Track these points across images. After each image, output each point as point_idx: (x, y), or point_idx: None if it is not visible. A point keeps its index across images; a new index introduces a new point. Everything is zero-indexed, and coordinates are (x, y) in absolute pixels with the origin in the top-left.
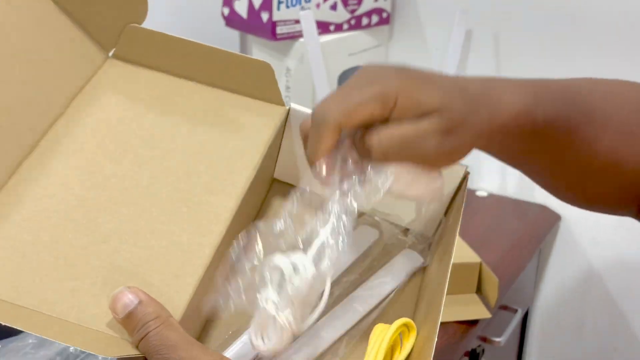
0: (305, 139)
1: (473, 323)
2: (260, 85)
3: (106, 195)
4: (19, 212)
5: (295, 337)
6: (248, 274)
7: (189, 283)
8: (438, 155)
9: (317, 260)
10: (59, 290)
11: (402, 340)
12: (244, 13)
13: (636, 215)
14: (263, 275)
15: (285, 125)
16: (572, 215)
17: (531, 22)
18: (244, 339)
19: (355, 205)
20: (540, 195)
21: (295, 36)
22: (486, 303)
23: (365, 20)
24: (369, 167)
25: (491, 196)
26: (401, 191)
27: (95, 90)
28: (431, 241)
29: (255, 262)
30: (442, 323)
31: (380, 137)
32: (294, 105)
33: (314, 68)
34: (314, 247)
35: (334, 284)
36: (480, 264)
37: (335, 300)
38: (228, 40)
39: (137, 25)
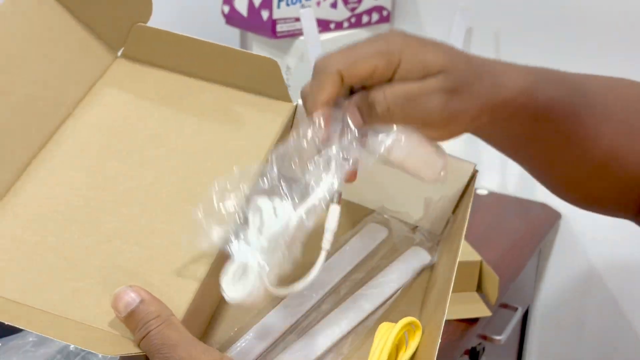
0: (305, 99)
1: (473, 321)
2: (266, 82)
3: (111, 195)
4: (25, 212)
5: (270, 296)
6: (230, 213)
7: (191, 282)
8: (442, 115)
9: (305, 214)
10: (62, 290)
11: (407, 338)
12: (244, 11)
13: (635, 217)
14: (243, 216)
15: (292, 121)
16: (572, 214)
17: (532, 20)
18: (248, 336)
19: (351, 163)
20: (540, 194)
21: (296, 34)
22: (486, 301)
23: (365, 18)
24: (370, 130)
25: (492, 194)
26: (401, 160)
27: (103, 90)
28: (439, 239)
29: (235, 204)
30: None
31: (385, 93)
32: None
33: None
34: (305, 202)
35: (341, 282)
36: (481, 262)
37: (342, 297)
38: (228, 38)
39: (143, 24)
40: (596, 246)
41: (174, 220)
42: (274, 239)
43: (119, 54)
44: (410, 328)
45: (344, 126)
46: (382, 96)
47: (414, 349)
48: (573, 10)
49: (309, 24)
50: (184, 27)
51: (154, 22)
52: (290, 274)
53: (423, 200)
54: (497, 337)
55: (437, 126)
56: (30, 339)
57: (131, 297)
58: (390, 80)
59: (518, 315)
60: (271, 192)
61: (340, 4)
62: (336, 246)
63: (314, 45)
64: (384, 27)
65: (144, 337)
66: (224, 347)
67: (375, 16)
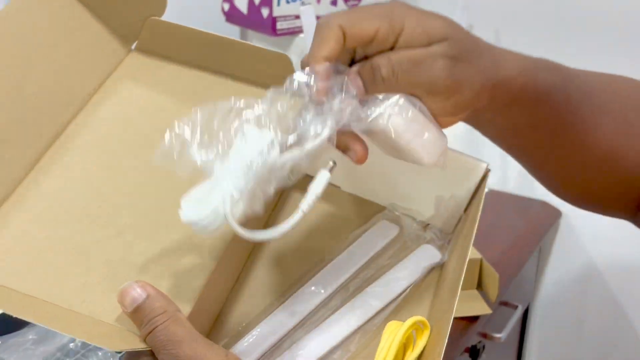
0: (305, 58)
1: (473, 319)
2: (278, 76)
3: (123, 189)
4: (37, 205)
5: (227, 231)
6: (214, 131)
7: (200, 278)
8: (447, 82)
9: (289, 158)
10: (72, 283)
11: (415, 337)
12: (244, 9)
13: (633, 217)
14: (224, 136)
15: None
16: (573, 212)
17: (532, 18)
18: (256, 332)
19: (348, 118)
20: (541, 192)
21: (296, 32)
22: (487, 299)
23: None
24: (371, 99)
25: (492, 192)
26: (401, 134)
27: (117, 84)
28: (450, 237)
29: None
30: None
31: (389, 57)
32: None
33: None
34: (291, 149)
35: (350, 279)
36: (481, 260)
37: (351, 294)
38: (228, 35)
39: (157, 18)
40: (596, 244)
41: None
42: (250, 168)
43: (133, 47)
44: (418, 327)
45: (344, 93)
46: (386, 60)
47: (422, 348)
48: (573, 8)
49: (309, 22)
50: (184, 24)
51: None
52: (257, 222)
53: (434, 198)
54: (497, 335)
55: (441, 95)
56: (30, 337)
57: (137, 293)
58: (392, 48)
59: (518, 313)
60: (262, 125)
61: (340, 1)
62: (346, 243)
63: None
64: None
65: (149, 333)
66: (231, 343)
67: None
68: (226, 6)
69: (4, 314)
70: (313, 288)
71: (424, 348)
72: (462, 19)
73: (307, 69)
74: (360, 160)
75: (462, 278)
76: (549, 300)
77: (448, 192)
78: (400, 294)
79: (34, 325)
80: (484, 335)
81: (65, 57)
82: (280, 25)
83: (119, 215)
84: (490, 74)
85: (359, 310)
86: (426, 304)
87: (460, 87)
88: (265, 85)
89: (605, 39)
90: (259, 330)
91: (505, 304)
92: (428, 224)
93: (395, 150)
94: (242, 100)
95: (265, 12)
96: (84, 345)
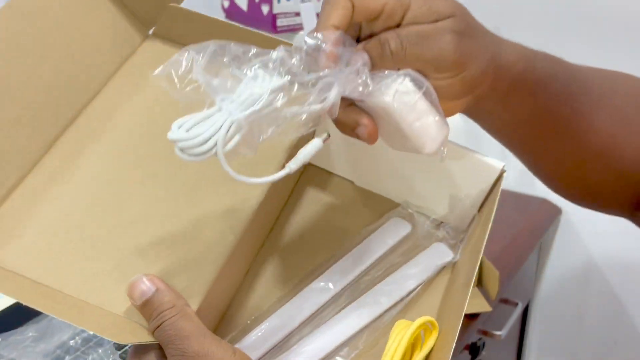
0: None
1: (473, 317)
2: None
3: (137, 176)
4: (51, 191)
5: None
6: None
7: (210, 271)
8: (455, 56)
9: (294, 111)
10: (83, 271)
11: (423, 337)
12: (244, 5)
13: (631, 215)
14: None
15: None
16: (573, 209)
17: (532, 16)
18: (264, 326)
19: (354, 89)
20: (541, 189)
21: (296, 29)
22: (487, 296)
23: None
24: (378, 74)
25: None
26: (405, 112)
27: (133, 70)
28: (463, 237)
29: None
30: None
31: (398, 32)
32: None
33: None
34: (297, 106)
35: (360, 275)
36: (481, 257)
37: (361, 292)
38: None
39: (177, 5)
40: (596, 241)
41: (198, 206)
42: (256, 105)
43: (150, 32)
44: (427, 327)
45: (351, 67)
46: (395, 34)
47: (430, 349)
48: (573, 6)
49: (309, 19)
50: None
51: None
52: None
53: (448, 197)
54: (498, 333)
55: (449, 71)
56: (30, 334)
57: (146, 286)
58: (398, 26)
59: (518, 310)
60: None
61: None
62: (358, 239)
63: None
64: None
65: (158, 327)
66: (239, 336)
67: None
68: (226, 3)
69: (3, 312)
70: (322, 284)
71: (432, 348)
72: None
73: (317, 33)
74: (372, 134)
75: (474, 280)
76: (549, 298)
77: (462, 191)
78: (410, 292)
79: (34, 322)
80: (484, 333)
81: (82, 42)
82: (280, 22)
83: (131, 204)
84: (494, 54)
85: (368, 307)
86: (436, 303)
87: (468, 62)
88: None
89: (605, 37)
90: (267, 324)
91: (505, 301)
92: (441, 222)
93: (397, 134)
94: (255, 49)
95: (265, 9)
96: (84, 342)
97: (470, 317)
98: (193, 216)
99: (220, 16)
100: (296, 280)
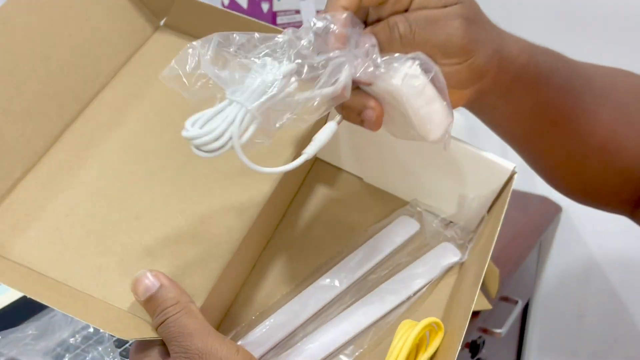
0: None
1: (474, 314)
2: None
3: (144, 170)
4: (57, 184)
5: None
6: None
7: (215, 268)
8: (463, 41)
9: (305, 96)
10: (87, 265)
11: (428, 338)
12: (244, 3)
13: (631, 213)
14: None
15: None
16: (573, 207)
17: (532, 13)
18: (269, 322)
19: (363, 71)
20: (541, 187)
21: (296, 26)
22: (487, 294)
23: None
24: (387, 58)
25: None
26: (413, 97)
27: (143, 61)
28: (472, 237)
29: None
30: None
31: (406, 16)
32: None
33: None
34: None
35: (366, 274)
36: None
37: (367, 290)
38: None
39: None
40: (597, 239)
41: (205, 202)
42: (266, 94)
43: (162, 23)
44: (432, 328)
45: (360, 49)
46: (403, 18)
47: (435, 349)
48: (573, 4)
49: (309, 16)
50: None
51: None
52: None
53: (457, 196)
54: (498, 331)
55: (456, 57)
56: (30, 332)
57: (151, 282)
58: (406, 11)
59: (518, 308)
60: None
61: None
62: (365, 236)
63: None
64: None
65: (161, 324)
66: (243, 332)
67: None
68: (226, 1)
69: (3, 310)
70: (328, 281)
71: (437, 349)
72: None
73: (326, 14)
74: (378, 118)
75: (481, 282)
76: (549, 296)
77: (472, 191)
78: (417, 292)
79: (34, 320)
80: (484, 331)
81: (92, 33)
82: (280, 20)
83: (137, 197)
84: (498, 44)
85: (374, 306)
86: (442, 303)
87: (475, 48)
88: None
89: (604, 35)
90: (272, 320)
91: (505, 299)
92: (450, 222)
93: (402, 120)
94: (259, 35)
95: (265, 6)
96: (84, 340)
97: (471, 315)
98: (199, 212)
99: None
100: (302, 276)
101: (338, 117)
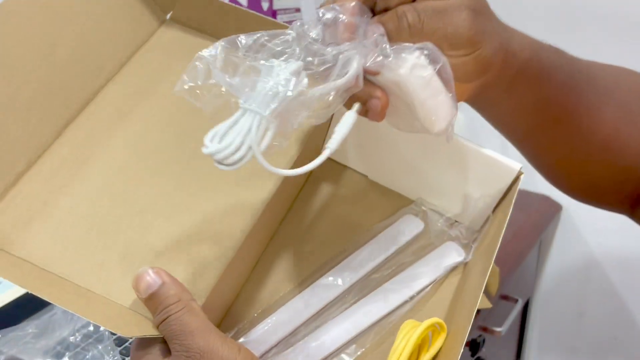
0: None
1: None
2: None
3: (148, 165)
4: (60, 178)
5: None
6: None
7: (217, 266)
8: (470, 32)
9: (319, 92)
10: (89, 261)
11: (431, 339)
12: (244, 1)
13: (630, 212)
14: (248, 68)
15: None
16: (573, 206)
17: (532, 13)
18: (271, 320)
19: (372, 60)
20: (541, 185)
21: None
22: (487, 293)
23: None
24: (395, 47)
25: None
26: (419, 87)
27: (148, 55)
28: (476, 236)
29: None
30: None
31: (415, 5)
32: None
33: None
34: (319, 86)
35: (370, 273)
36: None
37: (370, 289)
38: None
39: None
40: (597, 238)
41: (208, 198)
42: (278, 97)
43: (167, 17)
44: (435, 328)
45: (368, 39)
46: (412, 7)
47: (437, 350)
48: (573, 4)
49: (309, 14)
50: None
51: None
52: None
53: (463, 195)
54: (498, 329)
55: (463, 48)
56: (30, 331)
57: (152, 279)
58: (414, 0)
59: (518, 306)
60: (288, 57)
61: None
62: (369, 235)
63: None
64: None
65: (163, 321)
66: (245, 329)
67: None
68: None
69: (3, 308)
70: (331, 279)
71: (439, 350)
72: None
73: (334, 4)
74: (384, 108)
75: (485, 282)
76: (549, 294)
77: (478, 191)
78: (420, 292)
79: (33, 318)
80: (484, 329)
81: (97, 25)
82: (280, 18)
83: (141, 192)
84: (504, 38)
85: (376, 305)
86: (445, 303)
87: (482, 41)
88: None
89: (604, 34)
90: (274, 318)
91: (505, 297)
92: (455, 221)
93: (406, 111)
94: (266, 33)
95: (265, 4)
96: (84, 338)
97: None
98: (203, 209)
99: None
100: (305, 274)
101: (356, 106)
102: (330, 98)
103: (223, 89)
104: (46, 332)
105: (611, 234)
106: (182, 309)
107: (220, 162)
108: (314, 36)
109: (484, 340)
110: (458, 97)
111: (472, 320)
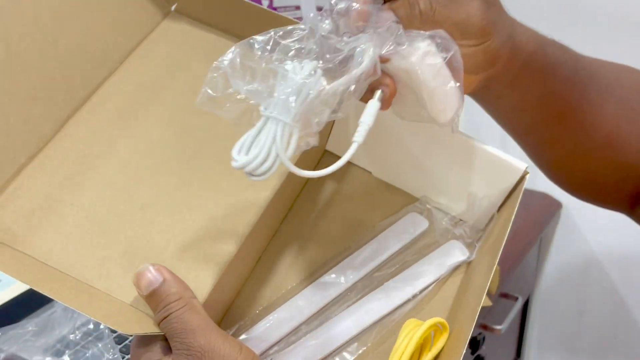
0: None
1: None
2: None
3: (150, 160)
4: (62, 170)
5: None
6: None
7: (218, 263)
8: (482, 22)
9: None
10: (91, 256)
11: (433, 338)
12: None
13: (630, 211)
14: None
15: None
16: (573, 203)
17: (533, 13)
18: (273, 317)
19: (386, 48)
20: (541, 183)
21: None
22: (487, 291)
23: None
24: (407, 34)
25: None
26: (429, 76)
27: (153, 47)
28: (480, 235)
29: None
30: None
31: None
32: None
33: None
34: (336, 80)
35: (373, 271)
36: None
37: (373, 287)
38: None
39: None
40: (597, 236)
41: (210, 195)
42: (298, 100)
43: (172, 8)
44: (437, 328)
45: (380, 27)
46: None
47: (439, 350)
48: (573, 4)
49: (309, 12)
50: None
51: None
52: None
53: (468, 194)
54: (498, 327)
55: (474, 38)
56: (30, 328)
57: (153, 276)
58: None
59: (518, 304)
60: (302, 55)
61: None
62: (373, 233)
63: None
64: None
65: (164, 319)
66: (246, 326)
67: None
68: None
69: (3, 306)
70: (334, 276)
71: (441, 350)
72: None
73: None
74: (392, 96)
75: (489, 281)
76: (549, 292)
77: (483, 190)
78: (423, 290)
79: (33, 316)
80: (484, 327)
81: (102, 16)
82: None
83: (143, 188)
84: (512, 28)
85: (379, 303)
86: (448, 302)
87: (493, 30)
88: None
89: (603, 33)
90: (275, 315)
91: (505, 295)
92: (460, 220)
93: (413, 100)
94: (279, 30)
95: (265, 2)
96: (84, 336)
97: None
98: (205, 205)
99: None
100: (307, 272)
101: (378, 94)
102: (352, 88)
103: (241, 95)
104: (46, 330)
105: (611, 232)
106: (183, 306)
107: (250, 174)
108: (327, 27)
109: (484, 338)
110: (467, 86)
111: (474, 323)
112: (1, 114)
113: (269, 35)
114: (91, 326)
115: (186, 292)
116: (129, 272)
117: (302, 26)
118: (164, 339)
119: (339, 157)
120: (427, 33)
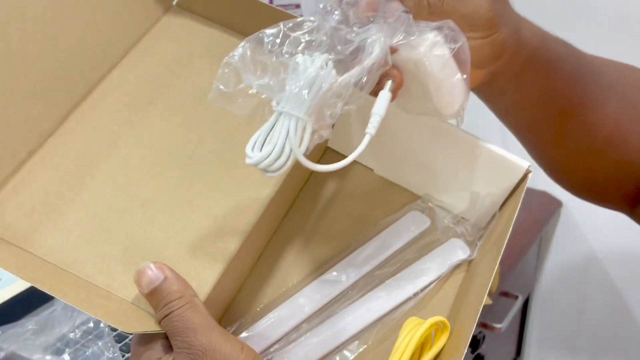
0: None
1: None
2: None
3: (151, 157)
4: (63, 166)
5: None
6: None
7: (220, 261)
8: (489, 14)
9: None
10: (91, 253)
11: (434, 336)
12: None
13: (630, 210)
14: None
15: None
16: (573, 202)
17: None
18: (273, 315)
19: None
20: (541, 182)
21: None
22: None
23: None
24: (415, 25)
25: None
26: (437, 68)
27: (154, 42)
28: (482, 234)
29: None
30: None
31: None
32: None
33: None
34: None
35: (374, 269)
36: None
37: (374, 285)
38: None
39: None
40: (597, 234)
41: (211, 192)
42: (310, 93)
43: (174, 3)
44: (438, 327)
45: (388, 19)
46: None
47: (440, 348)
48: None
49: (310, 11)
50: None
51: None
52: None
53: (470, 192)
54: (498, 326)
55: (481, 30)
56: (30, 327)
57: (154, 274)
58: None
59: (518, 303)
60: (313, 48)
61: None
62: (374, 231)
63: None
64: None
65: (165, 317)
66: (247, 323)
67: None
68: None
69: (3, 304)
70: (335, 274)
71: (442, 349)
72: None
73: None
74: (398, 87)
75: (491, 280)
76: (549, 291)
77: (485, 189)
78: (424, 289)
79: (33, 315)
80: (484, 326)
81: (103, 11)
82: None
83: (144, 184)
84: (517, 22)
85: (380, 301)
86: (449, 301)
87: (500, 23)
88: None
89: (604, 33)
90: (276, 313)
91: (505, 294)
92: (462, 218)
93: (419, 92)
94: (290, 23)
95: (265, 1)
96: (84, 335)
97: None
98: (206, 203)
99: None
100: (309, 269)
101: (389, 84)
102: (364, 79)
103: (252, 90)
104: (46, 329)
105: (611, 231)
106: (184, 305)
107: (265, 170)
108: (337, 18)
109: (484, 337)
110: (472, 80)
111: (475, 323)
112: (1, 110)
113: (278, 28)
114: (91, 324)
115: (187, 290)
116: (129, 270)
117: (312, 18)
118: (165, 337)
119: (340, 154)
120: (435, 24)
